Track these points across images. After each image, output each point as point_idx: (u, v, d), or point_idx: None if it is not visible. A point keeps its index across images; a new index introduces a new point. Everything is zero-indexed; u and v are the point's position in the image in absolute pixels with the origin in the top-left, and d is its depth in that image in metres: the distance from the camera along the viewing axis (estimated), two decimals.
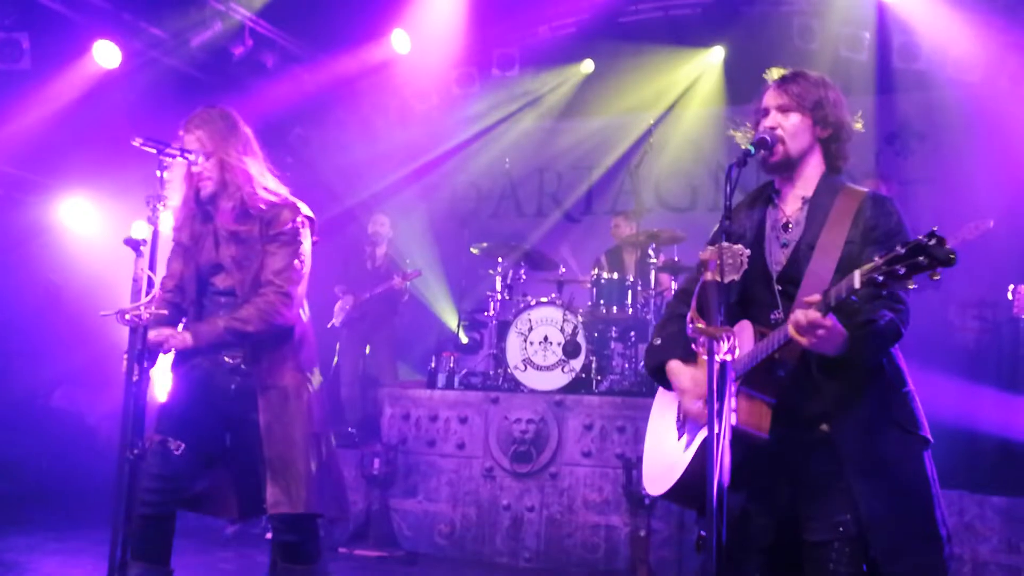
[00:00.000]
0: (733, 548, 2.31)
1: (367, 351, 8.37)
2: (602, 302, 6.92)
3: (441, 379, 7.12)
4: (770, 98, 2.79)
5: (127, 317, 3.01)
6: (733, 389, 2.44)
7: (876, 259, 2.17)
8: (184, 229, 3.54)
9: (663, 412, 2.99)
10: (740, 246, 2.46)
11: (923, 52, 7.68)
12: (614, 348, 6.96)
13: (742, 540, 2.30)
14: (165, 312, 3.21)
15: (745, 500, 2.52)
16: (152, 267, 3.06)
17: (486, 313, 7.35)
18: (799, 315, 2.39)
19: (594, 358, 6.62)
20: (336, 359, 8.33)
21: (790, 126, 2.74)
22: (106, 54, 7.65)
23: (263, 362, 3.47)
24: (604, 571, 5.81)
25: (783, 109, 2.76)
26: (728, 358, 2.36)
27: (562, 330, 6.55)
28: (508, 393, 6.49)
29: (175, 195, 3.35)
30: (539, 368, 6.54)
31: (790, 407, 2.59)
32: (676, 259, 7.29)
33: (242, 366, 3.48)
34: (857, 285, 2.22)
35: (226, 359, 3.48)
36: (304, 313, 3.61)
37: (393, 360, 8.33)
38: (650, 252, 7.14)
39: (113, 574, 2.91)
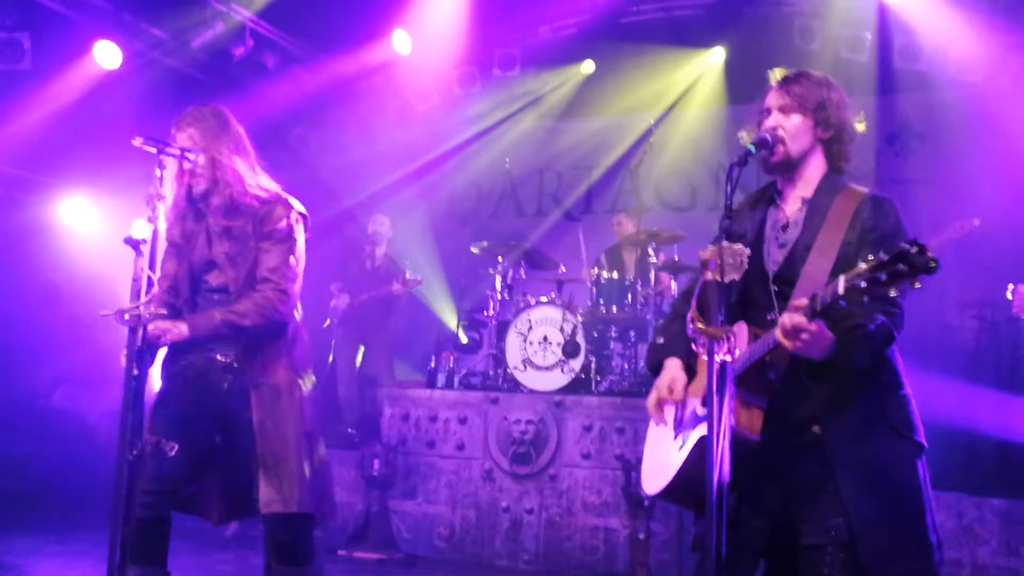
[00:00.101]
0: (726, 549, 2.30)
1: (363, 351, 8.35)
2: (602, 302, 6.91)
3: (441, 379, 7.12)
4: (772, 98, 2.78)
5: (127, 317, 3.01)
6: (734, 390, 2.44)
7: (860, 265, 2.16)
8: (176, 228, 3.54)
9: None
10: (740, 246, 2.46)
11: (924, 53, 7.67)
12: (614, 348, 6.95)
13: (734, 542, 2.30)
14: (164, 312, 3.21)
15: (737, 502, 2.53)
16: (152, 266, 3.06)
17: (486, 313, 7.33)
18: (784, 319, 2.39)
19: (594, 358, 6.61)
20: (331, 357, 8.32)
21: (791, 127, 2.73)
22: (107, 54, 7.66)
23: (256, 360, 3.47)
24: (603, 574, 5.81)
25: (785, 110, 2.75)
26: (728, 358, 2.36)
27: (562, 330, 6.55)
28: (508, 393, 6.48)
29: (167, 194, 3.34)
30: (539, 368, 6.54)
31: (781, 410, 2.59)
32: (676, 258, 7.28)
33: (235, 364, 3.47)
34: (841, 291, 2.21)
35: (219, 357, 3.47)
36: (297, 312, 3.61)
37: (390, 360, 8.32)
38: (650, 251, 7.14)
39: None
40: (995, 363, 6.71)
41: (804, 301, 2.36)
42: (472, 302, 8.29)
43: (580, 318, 6.61)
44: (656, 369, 2.93)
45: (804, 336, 2.36)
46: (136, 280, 3.04)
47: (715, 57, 8.91)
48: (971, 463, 6.06)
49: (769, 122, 2.76)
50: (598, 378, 6.61)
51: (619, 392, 6.48)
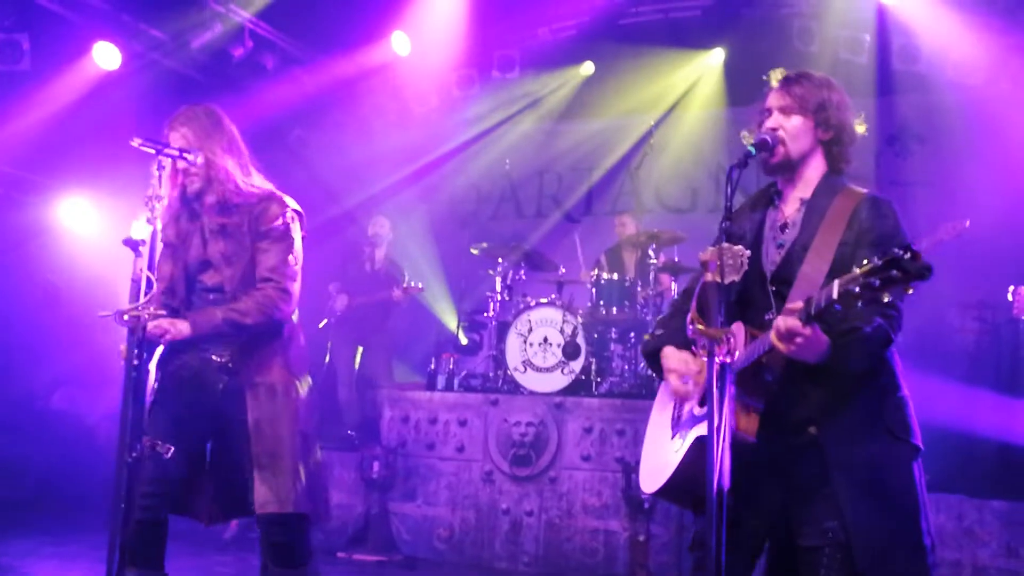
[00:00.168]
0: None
1: (361, 352, 8.34)
2: (602, 303, 6.91)
3: (441, 380, 7.11)
4: (773, 99, 2.78)
5: (126, 318, 3.00)
6: (734, 392, 2.43)
7: (854, 270, 2.15)
8: (170, 228, 3.53)
9: (660, 411, 2.99)
10: (740, 247, 2.45)
11: (923, 54, 7.68)
12: (614, 349, 6.95)
13: (731, 542, 2.30)
14: (164, 313, 3.20)
15: (735, 503, 2.53)
16: (151, 267, 3.05)
17: (486, 314, 7.33)
18: (779, 322, 2.38)
19: (594, 360, 6.61)
20: (328, 357, 8.31)
21: (791, 128, 2.73)
22: (106, 55, 7.65)
23: (252, 360, 3.47)
24: (603, 575, 5.80)
25: (785, 110, 2.74)
26: (728, 360, 2.35)
27: (562, 331, 6.54)
28: (508, 395, 6.48)
29: (163, 195, 3.32)
30: (539, 370, 6.53)
31: (778, 411, 2.58)
32: (676, 260, 7.28)
33: (230, 364, 3.46)
34: (835, 296, 2.20)
35: (214, 357, 3.46)
36: (294, 312, 3.60)
37: (388, 361, 8.31)
38: (650, 252, 7.13)
39: None
40: (995, 365, 6.69)
41: (799, 304, 2.35)
42: (472, 303, 8.28)
43: (580, 319, 6.61)
44: (652, 356, 2.91)
45: (799, 340, 2.35)
46: (135, 281, 3.03)
47: (714, 59, 8.92)
48: (971, 465, 6.05)
49: (769, 123, 2.76)
50: (598, 380, 6.61)
51: (619, 394, 6.48)
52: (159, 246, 3.14)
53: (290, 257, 3.49)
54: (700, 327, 2.44)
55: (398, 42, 8.50)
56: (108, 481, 3.07)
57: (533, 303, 6.79)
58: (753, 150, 2.66)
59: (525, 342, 6.62)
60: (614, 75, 9.09)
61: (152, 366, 3.50)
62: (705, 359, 2.75)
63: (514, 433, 6.23)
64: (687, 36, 8.61)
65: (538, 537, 6.06)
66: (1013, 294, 5.72)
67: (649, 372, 5.99)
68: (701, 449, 2.61)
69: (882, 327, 2.47)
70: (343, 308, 8.13)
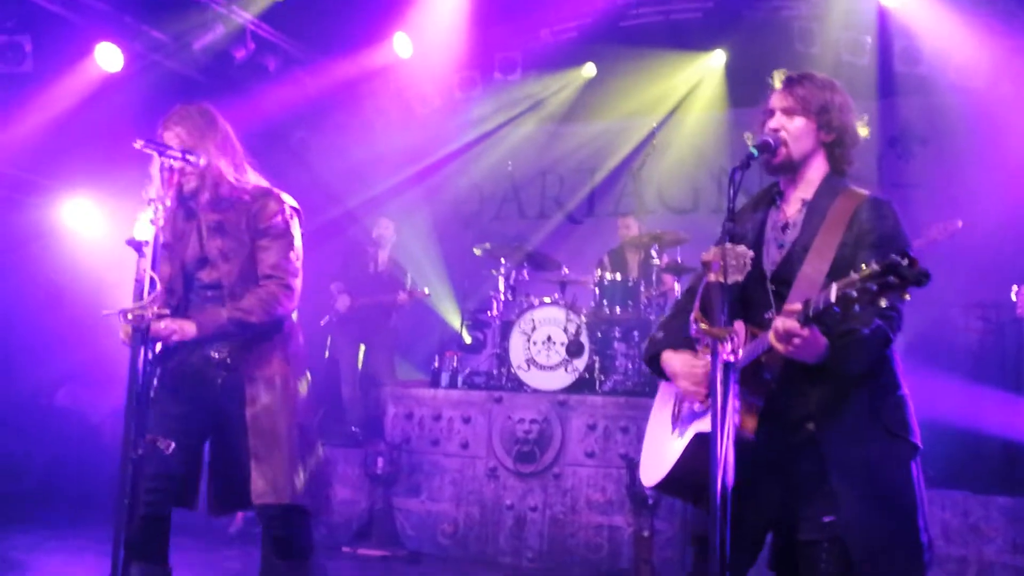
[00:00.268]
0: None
1: (363, 350, 8.35)
2: (605, 302, 6.93)
3: (445, 378, 7.12)
4: (776, 100, 2.79)
5: (130, 317, 3.02)
6: (737, 390, 2.45)
7: (852, 274, 2.17)
8: (166, 228, 3.54)
9: (661, 406, 3.01)
10: (743, 247, 2.46)
11: (924, 56, 7.69)
12: (617, 348, 6.96)
13: (731, 538, 2.32)
14: (167, 312, 3.21)
15: (734, 499, 2.56)
16: (155, 267, 3.07)
17: (489, 313, 7.35)
18: (777, 323, 2.39)
19: (597, 358, 6.63)
20: (328, 353, 8.32)
21: (793, 129, 2.74)
22: (108, 57, 7.67)
23: (250, 355, 3.48)
24: (607, 571, 5.81)
25: (788, 112, 2.75)
26: (731, 359, 2.37)
27: (565, 330, 6.57)
28: (511, 393, 6.49)
29: (155, 193, 3.33)
30: (542, 368, 6.55)
31: (777, 409, 2.60)
32: (679, 260, 7.30)
33: (228, 360, 3.48)
34: (833, 299, 2.21)
35: (212, 354, 3.47)
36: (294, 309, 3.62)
37: (391, 359, 8.33)
38: (653, 253, 7.15)
39: (116, 575, 2.91)
40: (1000, 363, 6.72)
41: (797, 306, 2.37)
42: (476, 303, 8.30)
43: (584, 318, 6.63)
44: (653, 361, 2.93)
45: (796, 341, 2.37)
46: (139, 281, 3.05)
47: (715, 60, 8.94)
48: (976, 462, 6.07)
49: (772, 123, 2.77)
50: (602, 377, 6.62)
51: (623, 392, 6.50)
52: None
53: (291, 254, 3.51)
54: (704, 326, 2.46)
55: (400, 44, 8.52)
56: (112, 477, 3.09)
57: (537, 302, 6.82)
58: (755, 152, 2.67)
59: (529, 340, 6.64)
60: (616, 77, 9.10)
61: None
62: (707, 356, 2.79)
63: (518, 430, 6.24)
64: (688, 38, 8.62)
65: (542, 533, 6.08)
66: (1017, 294, 5.73)
67: None
68: (700, 444, 2.63)
69: (881, 328, 2.48)
70: (345, 309, 8.15)
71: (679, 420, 2.82)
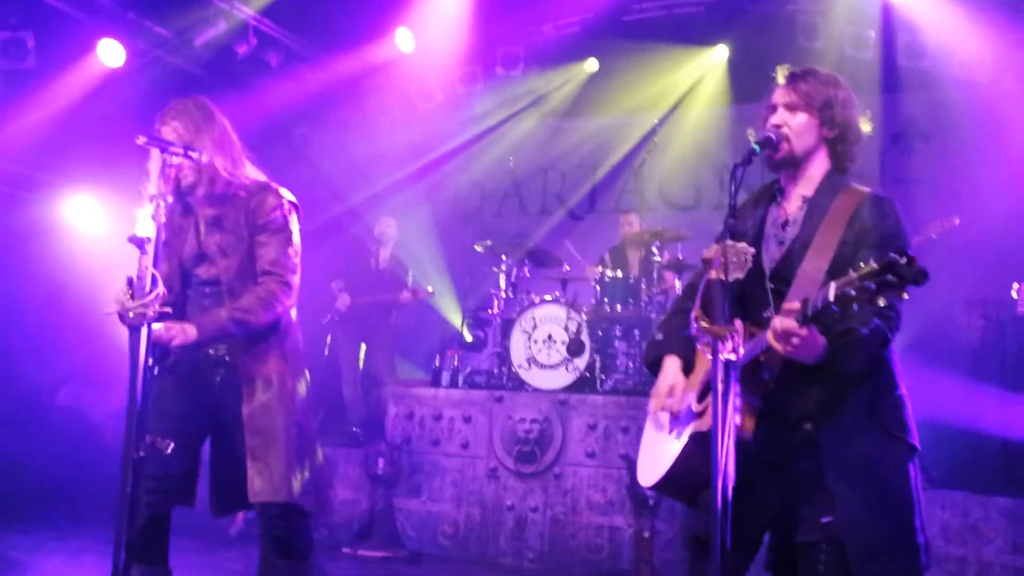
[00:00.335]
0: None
1: (364, 349, 8.35)
2: (606, 300, 6.91)
3: (445, 377, 7.12)
4: (779, 95, 2.77)
5: (131, 315, 3.00)
6: (738, 389, 2.43)
7: (851, 273, 2.16)
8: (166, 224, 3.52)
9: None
10: (744, 244, 2.44)
11: (928, 51, 7.66)
12: (618, 347, 6.95)
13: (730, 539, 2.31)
14: (169, 310, 3.18)
15: (732, 500, 2.54)
16: (156, 264, 3.05)
17: (490, 311, 7.34)
18: (776, 322, 2.38)
19: (598, 357, 6.61)
20: (327, 352, 8.31)
21: (796, 124, 2.71)
22: (110, 53, 7.67)
23: (248, 353, 3.46)
24: (608, 572, 5.81)
25: (790, 107, 2.73)
26: (732, 357, 2.35)
27: (566, 328, 6.55)
28: (512, 392, 6.48)
29: (154, 189, 3.31)
30: (543, 367, 6.54)
31: (775, 409, 2.59)
32: (680, 257, 7.28)
33: (226, 358, 3.47)
34: (831, 298, 2.20)
35: (211, 352, 3.46)
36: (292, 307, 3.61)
37: (391, 358, 8.31)
38: (654, 250, 7.13)
39: None
40: (1000, 362, 6.69)
41: (796, 305, 2.35)
42: (476, 301, 8.29)
43: (584, 316, 6.61)
44: (654, 365, 2.93)
45: (795, 340, 2.36)
46: (140, 278, 3.03)
47: (718, 55, 8.91)
48: (976, 462, 6.05)
49: (774, 119, 2.75)
50: (603, 377, 6.61)
51: (624, 391, 6.49)
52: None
53: (290, 249, 3.49)
54: (704, 324, 2.44)
55: (402, 39, 8.50)
56: (112, 478, 3.07)
57: (537, 300, 6.80)
58: (758, 148, 2.65)
59: (529, 339, 6.63)
60: (618, 72, 9.07)
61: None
62: (696, 367, 2.78)
63: (519, 430, 6.23)
64: (691, 32, 8.59)
65: (543, 533, 6.07)
66: (1018, 292, 5.71)
67: None
68: (697, 444, 2.63)
69: (879, 328, 2.46)
70: (345, 308, 8.13)
71: (676, 420, 2.81)
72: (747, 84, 8.28)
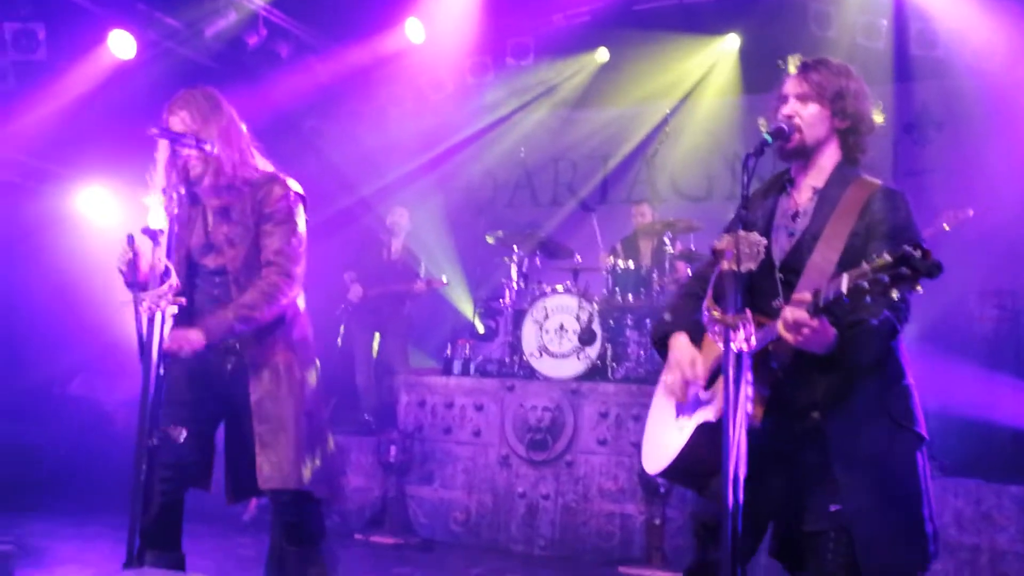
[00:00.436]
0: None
1: (377, 339, 8.37)
2: (618, 290, 6.91)
3: (457, 366, 7.12)
4: (790, 85, 2.76)
5: (145, 306, 3.02)
6: (750, 377, 2.44)
7: (864, 265, 2.15)
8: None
9: (664, 392, 2.99)
10: (756, 235, 2.44)
11: (940, 39, 7.61)
12: (630, 336, 6.94)
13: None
14: (183, 300, 3.20)
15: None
16: (170, 255, 3.07)
17: (502, 301, 7.34)
18: (787, 313, 2.38)
19: (610, 346, 6.62)
20: (340, 341, 8.34)
21: (807, 115, 2.71)
22: (121, 44, 7.69)
23: (256, 343, 3.48)
24: (619, 559, 5.82)
25: (802, 98, 2.72)
26: (744, 347, 2.35)
27: (578, 318, 6.55)
28: (524, 380, 6.50)
29: (162, 181, 3.31)
30: (555, 356, 6.55)
31: (783, 399, 2.59)
32: (692, 248, 7.27)
33: (236, 346, 3.49)
34: (844, 289, 2.19)
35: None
36: (300, 297, 3.62)
37: (404, 347, 8.33)
38: (666, 240, 7.12)
39: (132, 563, 2.93)
40: (1015, 351, 6.68)
41: (807, 296, 2.35)
42: (488, 291, 8.29)
43: (596, 306, 6.61)
44: (661, 344, 2.92)
45: (806, 331, 2.35)
46: (153, 269, 3.05)
47: (729, 44, 8.86)
48: (990, 450, 6.05)
49: (786, 110, 2.74)
50: (614, 365, 6.61)
51: (635, 379, 6.48)
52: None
53: (294, 239, 3.49)
54: (716, 314, 2.44)
55: (412, 29, 8.50)
56: (125, 466, 3.10)
57: (549, 290, 6.81)
58: (769, 138, 2.65)
59: (541, 329, 6.63)
60: (629, 62, 9.04)
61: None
62: (702, 353, 2.77)
63: (530, 418, 6.25)
64: (702, 21, 8.56)
65: (554, 520, 6.09)
66: None
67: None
68: (705, 432, 2.63)
69: (889, 320, 2.46)
70: (357, 299, 8.15)
71: (683, 407, 2.82)
72: (758, 74, 8.24)
